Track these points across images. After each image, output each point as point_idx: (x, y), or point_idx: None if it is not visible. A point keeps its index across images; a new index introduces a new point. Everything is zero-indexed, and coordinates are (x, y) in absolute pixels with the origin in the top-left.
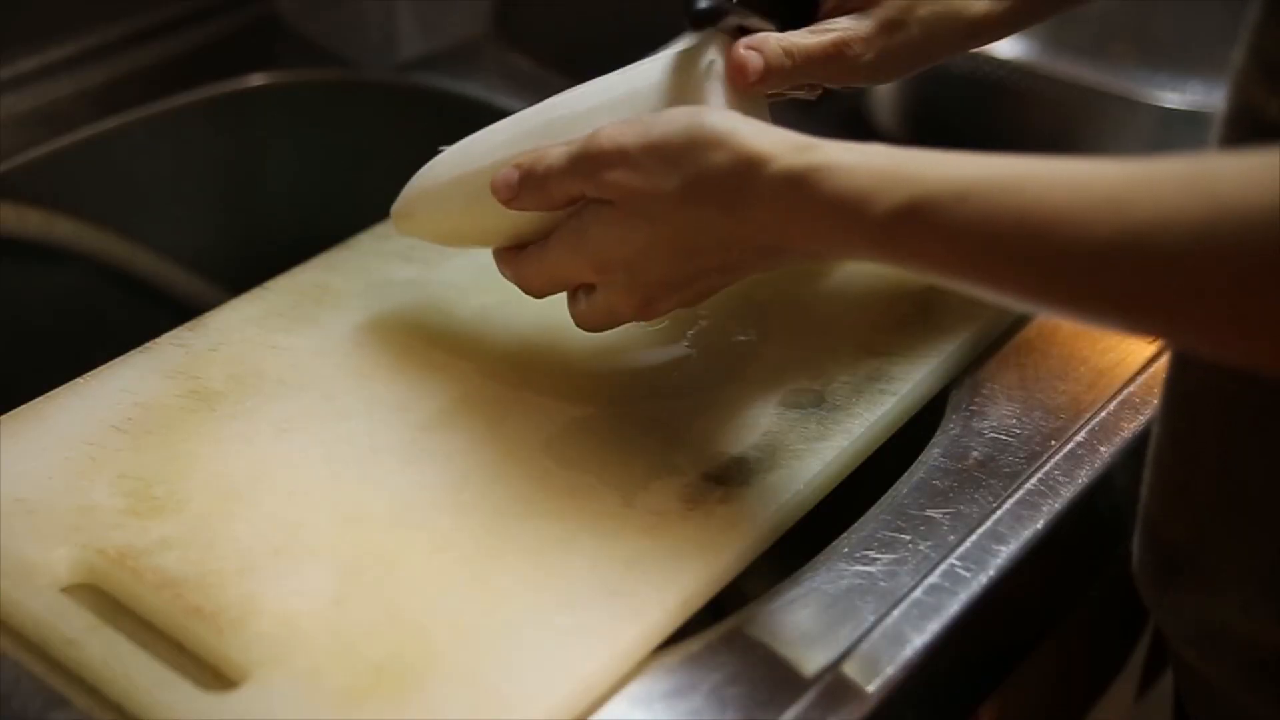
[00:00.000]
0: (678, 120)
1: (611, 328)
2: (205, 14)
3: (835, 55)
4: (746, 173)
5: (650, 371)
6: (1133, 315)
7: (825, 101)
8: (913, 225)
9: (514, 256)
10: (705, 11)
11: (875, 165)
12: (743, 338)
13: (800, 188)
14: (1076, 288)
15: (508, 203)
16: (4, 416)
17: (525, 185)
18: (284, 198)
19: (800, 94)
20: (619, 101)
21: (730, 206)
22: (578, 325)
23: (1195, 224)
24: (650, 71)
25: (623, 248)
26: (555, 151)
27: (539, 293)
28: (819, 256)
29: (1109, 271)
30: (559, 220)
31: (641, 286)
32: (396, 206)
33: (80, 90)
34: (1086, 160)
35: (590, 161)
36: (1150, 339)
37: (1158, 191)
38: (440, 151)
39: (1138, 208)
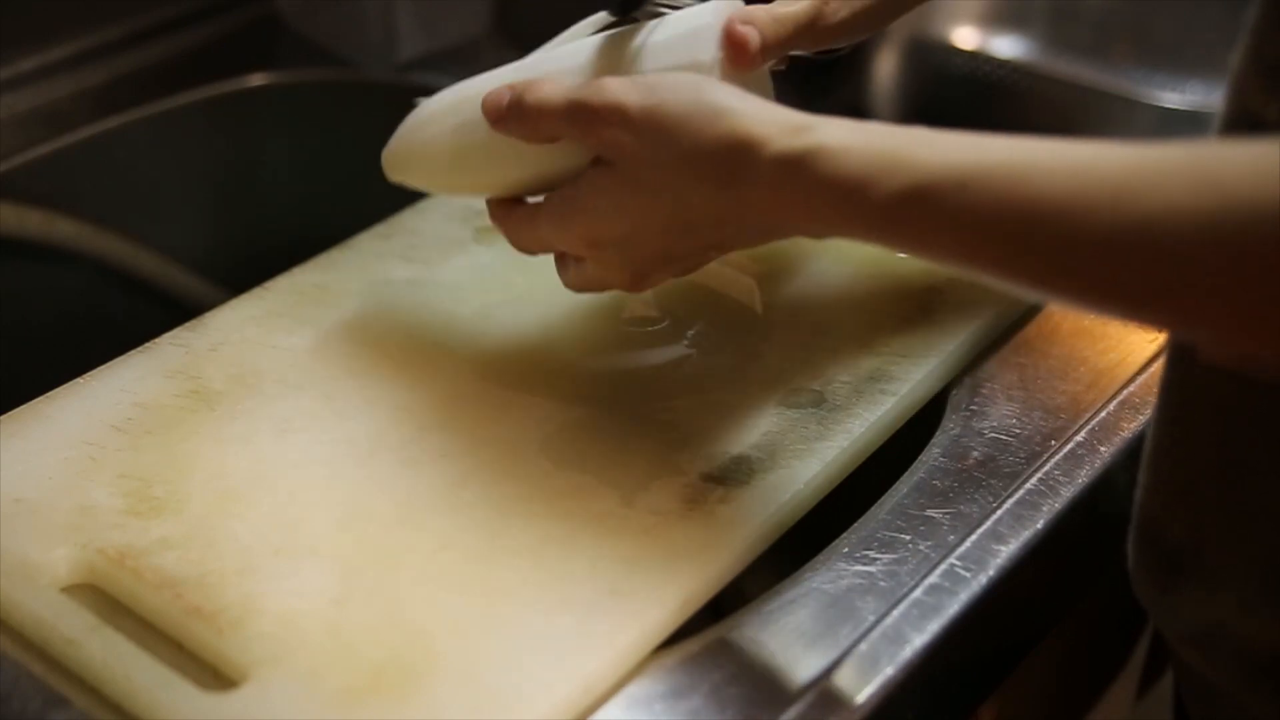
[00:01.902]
0: (682, 89)
1: (602, 292)
2: (205, 14)
3: (817, 16)
4: (743, 154)
5: (650, 371)
6: (1136, 304)
7: (824, 102)
8: (913, 212)
9: (505, 212)
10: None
11: (873, 148)
12: (743, 338)
13: (797, 172)
14: (1080, 277)
15: (494, 125)
16: (4, 416)
17: (514, 111)
18: (284, 198)
19: (772, 65)
20: (619, 60)
21: (726, 185)
22: (566, 287)
23: (1200, 217)
24: (659, 32)
25: (616, 222)
26: (551, 87)
27: (528, 252)
28: (818, 235)
29: (1112, 262)
30: (552, 177)
31: (634, 262)
32: (388, 151)
33: (80, 90)
34: (1088, 145)
35: (588, 113)
36: (1153, 328)
37: (1162, 182)
38: (416, 104)
39: (1142, 198)
